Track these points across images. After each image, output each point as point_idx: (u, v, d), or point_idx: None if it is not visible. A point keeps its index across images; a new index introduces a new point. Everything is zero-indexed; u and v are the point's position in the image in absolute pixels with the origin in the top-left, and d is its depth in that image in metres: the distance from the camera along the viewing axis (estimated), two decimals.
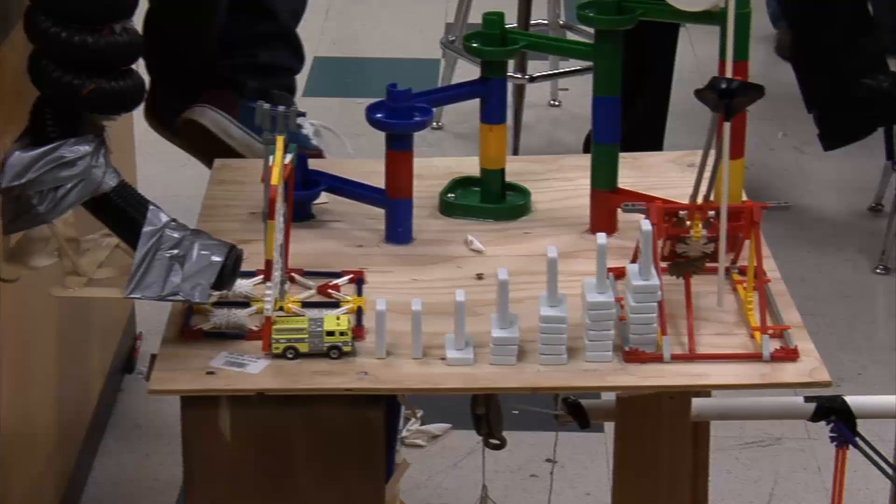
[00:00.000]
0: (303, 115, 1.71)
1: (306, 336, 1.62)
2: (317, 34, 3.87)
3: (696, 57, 3.58)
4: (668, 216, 1.70)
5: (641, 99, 2.79)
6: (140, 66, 1.74)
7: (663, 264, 1.69)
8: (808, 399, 1.80)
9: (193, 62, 2.57)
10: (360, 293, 1.77)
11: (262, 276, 1.75)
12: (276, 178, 1.63)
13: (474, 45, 1.89)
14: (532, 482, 2.42)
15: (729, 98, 1.65)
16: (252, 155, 2.37)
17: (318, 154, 2.60)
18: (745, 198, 1.86)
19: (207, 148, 2.48)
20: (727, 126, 1.67)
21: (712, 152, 1.72)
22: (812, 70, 2.96)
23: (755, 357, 1.64)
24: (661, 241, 1.69)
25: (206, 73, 2.58)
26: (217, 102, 2.55)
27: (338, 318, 1.64)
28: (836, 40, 2.89)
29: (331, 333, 1.63)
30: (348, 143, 2.54)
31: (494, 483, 2.34)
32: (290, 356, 1.63)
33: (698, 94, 1.67)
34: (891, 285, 2.89)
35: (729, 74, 1.74)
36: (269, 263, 1.64)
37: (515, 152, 3.24)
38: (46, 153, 1.62)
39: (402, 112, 1.84)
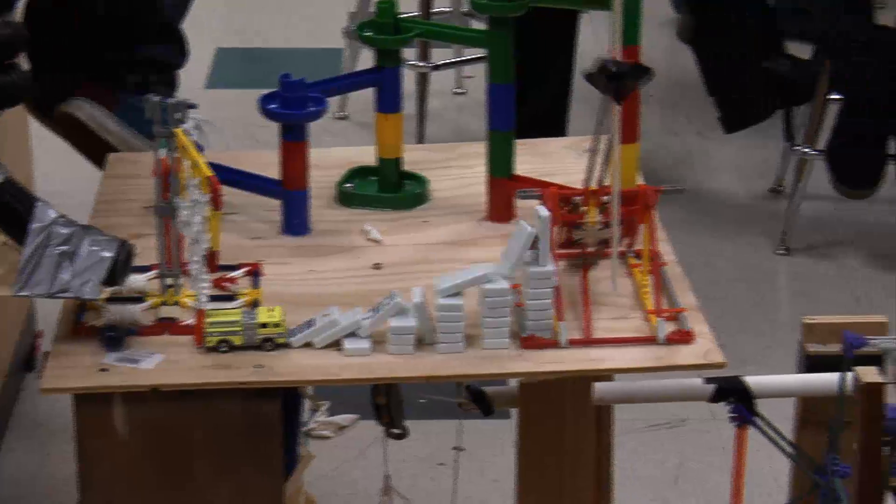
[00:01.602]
0: (193, 107, 1.69)
1: (240, 329, 1.61)
2: (220, 24, 3.84)
3: (597, 43, 3.59)
4: (564, 202, 1.70)
5: (543, 87, 2.80)
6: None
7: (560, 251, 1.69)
8: (707, 380, 1.81)
9: (73, 52, 2.52)
10: (256, 286, 1.75)
11: (155, 271, 1.73)
12: (206, 168, 1.62)
13: (367, 33, 1.89)
14: (440, 470, 2.42)
15: (618, 80, 1.65)
16: (128, 150, 2.34)
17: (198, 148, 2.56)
18: (641, 181, 1.86)
19: (84, 141, 2.45)
20: (618, 109, 1.67)
21: (607, 136, 1.72)
22: (712, 54, 2.98)
23: (650, 340, 1.65)
24: (557, 228, 1.69)
25: (85, 64, 2.54)
26: (96, 96, 2.50)
27: (271, 310, 1.64)
28: (734, 25, 2.91)
29: (264, 325, 1.62)
30: (230, 139, 2.50)
31: (402, 472, 2.34)
32: (223, 350, 1.61)
33: (588, 77, 1.67)
34: (792, 266, 2.91)
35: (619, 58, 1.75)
36: (214, 255, 1.63)
37: (420, 141, 3.23)
38: None
39: (295, 102, 1.83)
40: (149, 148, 1.83)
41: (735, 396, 1.80)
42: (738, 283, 2.86)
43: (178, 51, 2.64)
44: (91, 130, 2.46)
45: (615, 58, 1.70)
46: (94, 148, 2.25)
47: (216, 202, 1.61)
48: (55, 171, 3.00)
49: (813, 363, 1.84)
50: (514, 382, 1.78)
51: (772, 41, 2.94)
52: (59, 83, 2.50)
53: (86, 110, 2.45)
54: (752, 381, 1.81)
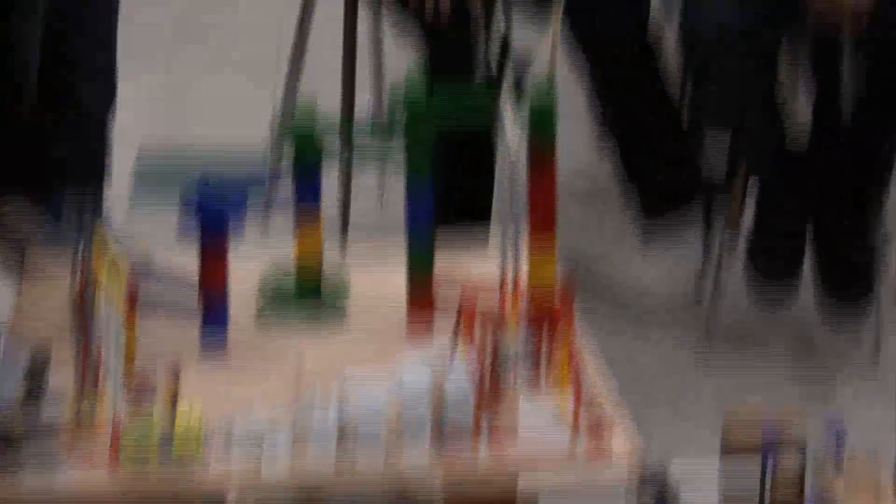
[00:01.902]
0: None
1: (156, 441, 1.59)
2: (143, 119, 3.84)
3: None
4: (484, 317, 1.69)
5: (463, 180, 2.82)
6: None
7: None
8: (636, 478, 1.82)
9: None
10: (176, 386, 1.74)
11: (72, 376, 1.71)
12: (125, 268, 1.61)
13: (287, 134, 1.89)
14: None
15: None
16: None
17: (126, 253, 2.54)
18: (560, 277, 1.87)
19: (8, 243, 2.42)
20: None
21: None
22: (622, 150, 3.03)
23: (572, 454, 1.63)
24: (481, 343, 1.68)
25: (8, 164, 2.51)
26: (21, 193, 2.48)
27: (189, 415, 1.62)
28: (642, 122, 2.97)
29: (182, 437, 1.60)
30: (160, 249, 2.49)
31: None
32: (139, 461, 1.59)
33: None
34: (715, 363, 2.94)
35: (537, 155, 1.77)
36: (131, 358, 1.61)
37: (343, 237, 3.23)
38: None
39: (215, 204, 1.83)
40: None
41: (658, 488, 1.81)
42: (661, 382, 2.87)
43: (103, 146, 2.62)
44: (15, 231, 2.44)
45: None
46: (19, 249, 2.23)
47: (131, 304, 1.59)
48: None
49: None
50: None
51: (681, 142, 3.00)
52: None
53: (10, 209, 2.42)
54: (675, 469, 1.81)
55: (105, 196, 2.56)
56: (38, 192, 2.44)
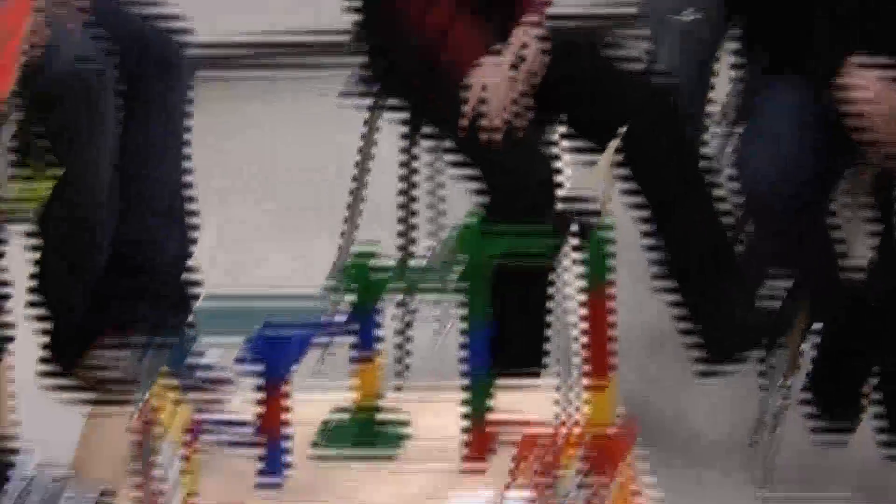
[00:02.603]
0: (184, 350, 1.71)
1: None
2: (205, 270, 3.90)
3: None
4: (541, 461, 1.69)
5: (518, 330, 2.83)
6: None
7: None
8: None
9: (83, 309, 2.56)
10: None
11: None
12: (186, 413, 1.64)
13: (345, 280, 1.92)
14: None
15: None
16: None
17: (223, 380, 2.58)
18: (618, 420, 1.88)
19: (108, 389, 2.47)
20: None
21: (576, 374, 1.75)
22: (682, 302, 3.02)
23: None
24: (539, 487, 1.69)
25: (97, 317, 2.57)
26: (113, 341, 2.53)
27: None
28: (702, 276, 2.97)
29: None
30: (249, 373, 2.53)
31: None
32: None
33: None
34: None
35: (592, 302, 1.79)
36: (190, 501, 1.63)
37: (401, 383, 3.25)
38: None
39: (275, 350, 1.86)
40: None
41: None
42: None
43: (188, 291, 2.68)
44: (113, 378, 2.48)
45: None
46: (117, 395, 2.27)
47: (192, 448, 1.62)
48: (38, 421, 3.01)
49: None
50: None
51: (741, 291, 3.00)
52: (75, 337, 2.53)
53: (105, 359, 2.47)
54: None
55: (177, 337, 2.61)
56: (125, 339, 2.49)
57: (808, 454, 3.03)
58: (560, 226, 1.71)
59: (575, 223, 1.70)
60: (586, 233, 1.73)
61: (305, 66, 5.21)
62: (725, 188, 3.21)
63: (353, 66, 3.31)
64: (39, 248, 2.49)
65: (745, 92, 3.67)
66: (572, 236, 1.71)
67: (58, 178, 1.83)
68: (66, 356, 2.57)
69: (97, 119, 2.26)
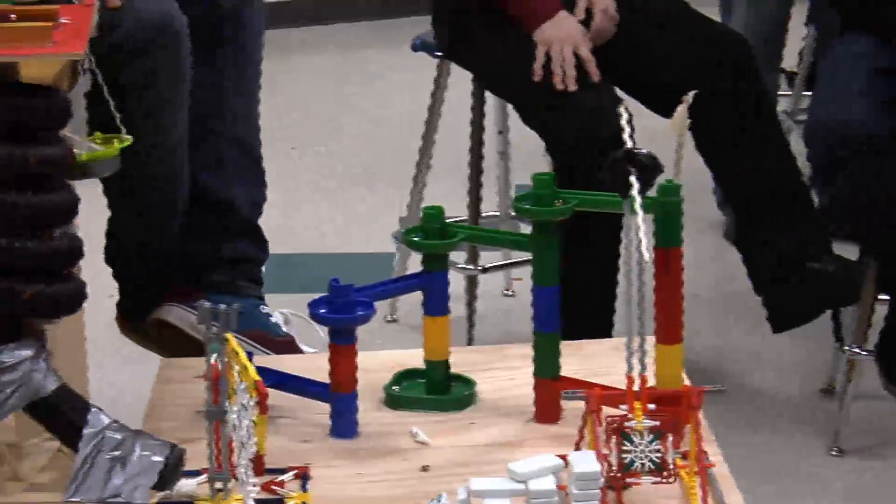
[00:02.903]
0: (255, 308, 1.72)
1: None
2: (272, 230, 3.91)
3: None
4: (611, 419, 1.69)
5: (589, 288, 2.82)
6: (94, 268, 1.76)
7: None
8: None
9: (158, 265, 2.59)
10: (304, 489, 1.76)
11: (205, 476, 1.74)
12: (254, 373, 1.65)
13: (414, 238, 1.93)
14: None
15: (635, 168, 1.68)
16: None
17: (290, 341, 2.60)
18: (686, 382, 1.87)
19: (178, 345, 2.49)
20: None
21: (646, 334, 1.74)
22: (757, 255, 3.00)
23: None
24: (607, 447, 1.69)
25: (170, 273, 2.60)
26: (183, 299, 2.56)
27: None
28: (779, 228, 2.94)
29: None
30: (320, 330, 2.55)
31: None
32: None
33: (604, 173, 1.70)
34: (845, 467, 2.89)
35: (663, 260, 1.78)
36: (260, 458, 1.64)
37: (470, 343, 3.25)
38: None
39: (343, 307, 1.86)
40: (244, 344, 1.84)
41: None
42: (790, 485, 2.83)
43: (259, 247, 2.70)
44: (184, 334, 2.51)
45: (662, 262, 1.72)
46: (188, 351, 2.29)
47: (263, 406, 1.63)
48: (109, 376, 3.04)
49: None
50: None
51: (819, 241, 2.96)
52: (146, 296, 2.56)
53: (176, 314, 2.50)
54: None
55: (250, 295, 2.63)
56: (207, 291, 2.51)
57: (880, 412, 3.00)
58: (620, 180, 1.70)
59: (635, 178, 1.69)
60: (648, 187, 1.71)
61: (372, 18, 5.21)
62: (797, 144, 3.18)
63: (421, 21, 3.31)
64: (114, 206, 2.51)
65: (817, 48, 3.62)
66: (636, 192, 1.70)
67: (131, 138, 1.84)
68: (138, 312, 2.59)
69: (178, 71, 2.26)
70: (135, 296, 2.61)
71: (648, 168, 1.71)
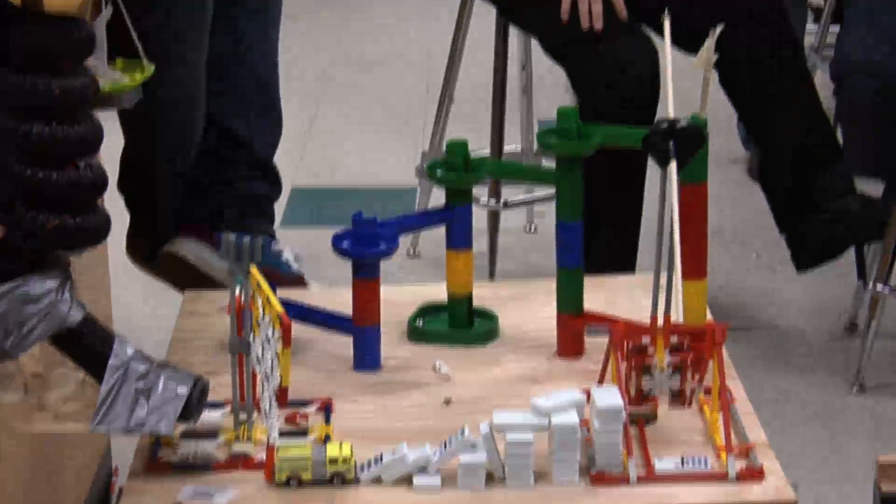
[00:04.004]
0: (267, 244, 1.72)
1: (309, 464, 1.63)
2: (295, 164, 3.91)
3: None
4: (633, 347, 1.69)
5: (612, 224, 2.82)
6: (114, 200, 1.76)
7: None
8: None
9: (171, 197, 2.59)
10: (328, 421, 1.77)
11: (229, 407, 1.75)
12: (278, 305, 1.65)
13: (437, 173, 1.92)
14: None
15: (674, 139, 1.66)
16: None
17: (300, 279, 2.61)
18: (709, 318, 1.87)
19: (189, 280, 2.50)
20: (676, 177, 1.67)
21: (673, 270, 1.74)
22: (781, 193, 2.99)
23: (721, 477, 1.64)
24: (629, 383, 1.69)
25: (184, 206, 2.61)
26: (196, 233, 2.57)
27: (340, 445, 1.65)
28: (803, 165, 2.92)
29: (334, 461, 1.63)
30: (329, 268, 2.55)
31: None
32: (293, 484, 1.63)
33: (645, 144, 1.69)
34: (867, 405, 2.89)
35: (688, 196, 1.77)
36: (283, 391, 1.64)
37: (492, 277, 3.25)
38: (11, 289, 1.63)
39: (367, 240, 1.86)
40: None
41: None
42: (812, 422, 2.84)
43: (272, 184, 2.70)
44: (194, 268, 2.52)
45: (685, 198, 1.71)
46: (199, 285, 2.30)
47: (286, 339, 1.64)
48: (132, 308, 3.05)
49: (888, 503, 1.83)
50: None
51: (843, 179, 2.95)
52: (158, 227, 2.57)
53: (189, 248, 2.51)
54: None
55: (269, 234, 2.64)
56: (219, 227, 2.51)
57: None
58: (660, 155, 1.68)
59: (672, 148, 1.67)
60: (689, 158, 1.69)
61: None
62: (822, 80, 3.16)
63: None
64: (129, 135, 2.51)
65: None
66: (674, 169, 1.68)
67: (152, 70, 1.84)
68: (150, 244, 2.60)
69: (197, 9, 2.26)
70: (147, 227, 2.62)
71: (690, 140, 1.68)
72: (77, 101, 1.63)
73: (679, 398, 1.69)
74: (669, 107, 1.73)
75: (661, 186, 1.69)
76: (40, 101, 1.61)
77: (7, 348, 1.64)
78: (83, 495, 2.56)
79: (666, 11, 1.77)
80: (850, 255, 3.03)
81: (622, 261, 2.75)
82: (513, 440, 1.63)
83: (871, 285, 2.95)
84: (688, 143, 1.68)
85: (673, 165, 1.68)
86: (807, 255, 3.02)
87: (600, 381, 1.74)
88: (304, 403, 1.79)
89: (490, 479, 1.65)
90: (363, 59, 4.59)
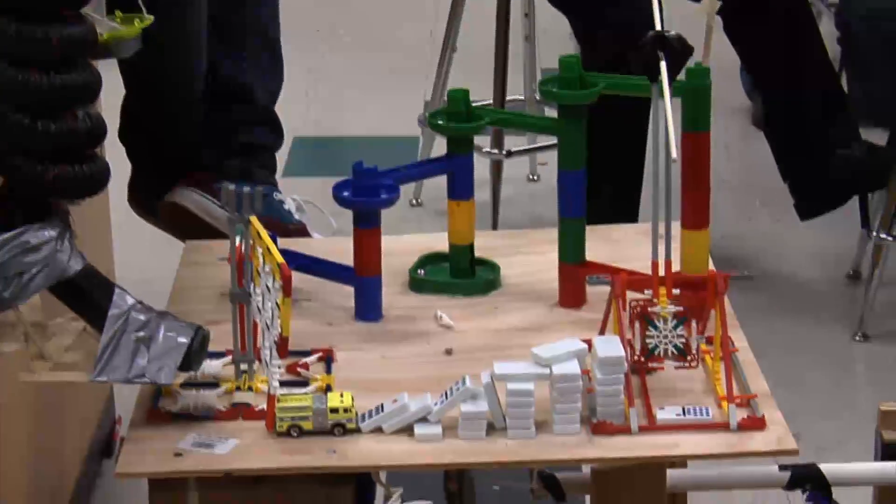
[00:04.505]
0: (268, 194, 1.72)
1: (310, 414, 1.63)
2: (296, 114, 3.90)
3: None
4: (635, 303, 1.69)
5: (615, 173, 2.81)
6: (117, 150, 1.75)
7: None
8: (782, 468, 1.80)
9: (172, 147, 2.59)
10: (328, 371, 1.77)
11: (230, 357, 1.75)
12: (278, 255, 1.65)
13: (438, 122, 1.91)
14: None
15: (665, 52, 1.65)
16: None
17: (302, 228, 2.61)
18: (712, 267, 1.87)
19: (190, 229, 2.50)
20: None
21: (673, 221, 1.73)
22: (786, 141, 2.98)
23: (722, 427, 1.64)
24: (631, 332, 1.68)
25: (185, 156, 2.60)
26: (197, 183, 2.56)
27: (341, 395, 1.65)
28: (808, 114, 2.91)
29: (335, 410, 1.63)
30: (331, 217, 2.55)
31: None
32: (294, 434, 1.63)
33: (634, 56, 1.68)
34: (870, 352, 2.89)
35: (690, 144, 1.76)
36: (284, 341, 1.64)
37: (494, 227, 3.25)
38: (11, 239, 1.63)
39: (368, 190, 1.86)
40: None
41: (811, 484, 1.79)
42: (816, 370, 2.84)
43: (274, 133, 2.70)
44: (196, 218, 2.51)
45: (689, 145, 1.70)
46: (201, 236, 2.30)
47: (287, 289, 1.63)
48: (133, 258, 3.05)
49: (890, 451, 1.83)
50: (586, 468, 1.78)
51: (847, 127, 2.94)
52: (160, 177, 2.56)
53: (190, 197, 2.51)
54: (829, 468, 1.80)
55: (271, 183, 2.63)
56: (214, 177, 2.51)
57: None
58: (650, 64, 1.67)
59: (664, 60, 1.66)
60: (678, 72, 1.68)
61: None
62: (827, 28, 3.14)
63: None
64: (129, 83, 2.50)
65: None
66: (665, 76, 1.67)
67: (152, 18, 1.82)
68: (150, 193, 2.60)
69: None
70: (148, 176, 2.61)
71: (678, 52, 1.68)
72: (76, 49, 1.62)
73: (685, 355, 1.68)
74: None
75: (653, 103, 1.68)
76: (39, 49, 1.60)
77: (7, 297, 1.64)
78: (86, 444, 2.57)
79: None
80: (854, 203, 3.03)
81: (624, 209, 2.74)
82: (514, 390, 1.63)
83: (874, 233, 2.94)
84: (677, 55, 1.68)
85: (664, 79, 1.67)
86: (810, 203, 3.01)
87: (602, 331, 1.74)
88: (305, 353, 1.79)
89: (491, 428, 1.65)
90: (365, 7, 4.57)
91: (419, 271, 1.96)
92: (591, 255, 1.90)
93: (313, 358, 1.79)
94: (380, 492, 2.45)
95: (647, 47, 1.67)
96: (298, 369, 1.76)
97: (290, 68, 2.79)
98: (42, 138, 1.61)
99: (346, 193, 1.86)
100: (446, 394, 1.65)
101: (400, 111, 3.90)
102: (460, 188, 1.92)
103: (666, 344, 1.69)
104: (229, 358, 1.75)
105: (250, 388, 1.72)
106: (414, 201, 3.49)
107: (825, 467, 1.79)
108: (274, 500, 1.62)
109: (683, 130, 1.79)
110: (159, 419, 1.68)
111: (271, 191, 2.61)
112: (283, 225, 2.52)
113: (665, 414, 1.65)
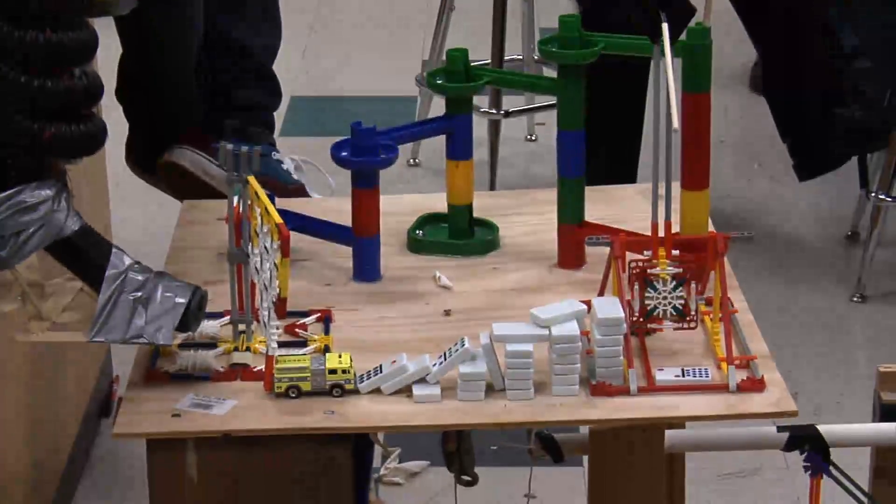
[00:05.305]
0: (267, 154, 1.71)
1: (308, 375, 1.62)
2: (294, 73, 3.88)
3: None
4: (635, 264, 1.68)
5: (614, 133, 2.80)
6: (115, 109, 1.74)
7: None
8: (780, 429, 1.80)
9: (170, 106, 2.58)
10: (327, 332, 1.76)
11: (228, 318, 1.75)
12: (276, 216, 1.64)
13: (437, 81, 1.90)
14: None
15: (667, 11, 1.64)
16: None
17: (301, 188, 2.60)
18: (711, 228, 1.86)
19: (188, 189, 2.49)
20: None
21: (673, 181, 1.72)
22: (784, 102, 2.98)
23: (721, 388, 1.64)
24: (630, 293, 1.68)
25: (183, 115, 2.59)
26: (195, 143, 2.55)
27: (340, 356, 1.65)
28: (806, 74, 2.90)
29: (333, 371, 1.63)
30: (330, 177, 2.54)
31: None
32: (292, 395, 1.63)
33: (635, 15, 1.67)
34: (867, 314, 2.89)
35: (691, 105, 1.75)
36: (282, 301, 1.64)
37: (492, 187, 3.24)
38: (7, 198, 1.62)
39: (366, 150, 1.85)
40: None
41: (809, 445, 1.79)
42: (814, 331, 2.84)
43: (272, 92, 2.69)
44: (193, 177, 2.51)
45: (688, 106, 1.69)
46: (198, 195, 2.29)
47: (285, 249, 1.63)
48: (131, 218, 3.04)
49: (888, 412, 1.83)
50: (584, 430, 1.78)
51: (846, 88, 2.93)
52: (157, 136, 2.56)
53: (188, 157, 2.50)
54: (827, 429, 1.80)
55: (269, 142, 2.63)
56: (212, 136, 2.50)
57: None
58: (651, 24, 1.66)
59: (665, 22, 1.65)
60: (680, 32, 1.67)
61: None
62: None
63: None
64: (126, 42, 2.49)
65: None
66: (666, 36, 1.66)
67: None
68: (148, 152, 2.59)
69: None
70: (146, 136, 2.60)
71: (680, 12, 1.67)
72: (71, 7, 1.60)
73: (684, 317, 1.67)
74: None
75: (654, 63, 1.67)
76: (34, 6, 1.58)
77: (4, 257, 1.63)
78: (83, 404, 2.57)
79: None
80: (853, 164, 3.02)
81: (624, 169, 2.74)
82: (512, 350, 1.63)
83: (873, 194, 2.94)
84: (678, 15, 1.67)
85: (666, 39, 1.66)
86: (809, 164, 3.01)
87: (601, 292, 1.74)
88: (304, 314, 1.79)
89: (490, 389, 1.64)
90: None
91: (418, 232, 1.95)
92: (590, 215, 1.90)
93: (311, 318, 1.78)
94: (378, 452, 2.46)
95: (649, 7, 1.66)
96: (296, 330, 1.76)
97: (288, 27, 2.78)
98: (39, 96, 1.60)
99: (344, 153, 1.85)
100: (445, 355, 1.65)
101: (398, 71, 3.88)
102: (459, 148, 1.91)
103: (665, 305, 1.68)
104: (227, 318, 1.75)
105: (248, 349, 1.72)
106: (412, 161, 3.48)
107: (823, 428, 1.79)
108: (272, 460, 1.61)
109: (684, 91, 1.78)
110: (157, 379, 1.67)
111: (269, 150, 2.60)
112: (281, 185, 2.51)
113: (664, 375, 1.65)
